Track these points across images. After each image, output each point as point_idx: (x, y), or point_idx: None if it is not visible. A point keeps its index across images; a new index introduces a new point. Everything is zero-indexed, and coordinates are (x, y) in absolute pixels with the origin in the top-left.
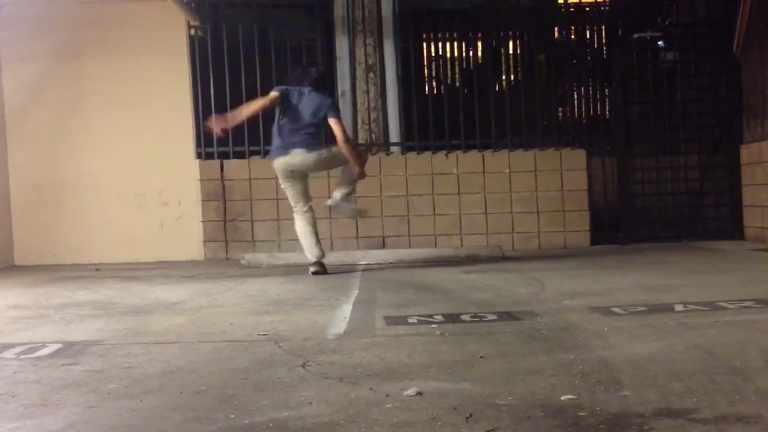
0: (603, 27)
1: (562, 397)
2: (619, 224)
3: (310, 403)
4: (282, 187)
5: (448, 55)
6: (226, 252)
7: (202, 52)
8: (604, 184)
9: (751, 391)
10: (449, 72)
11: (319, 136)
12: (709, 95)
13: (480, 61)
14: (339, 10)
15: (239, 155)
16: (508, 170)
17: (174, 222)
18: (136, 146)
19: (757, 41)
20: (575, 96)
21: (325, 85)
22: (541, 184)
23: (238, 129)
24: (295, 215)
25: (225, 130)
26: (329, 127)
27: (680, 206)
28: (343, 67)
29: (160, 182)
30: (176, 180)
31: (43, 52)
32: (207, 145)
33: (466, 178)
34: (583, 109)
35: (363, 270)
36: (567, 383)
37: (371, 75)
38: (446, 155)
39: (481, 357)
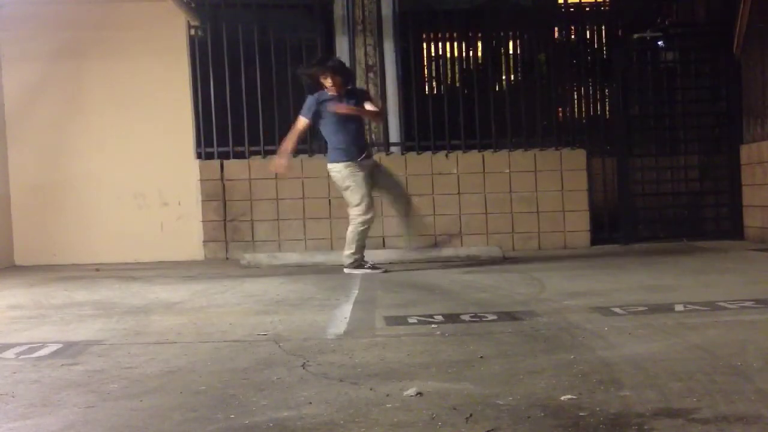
0: (603, 27)
1: (562, 397)
2: (619, 224)
3: (310, 403)
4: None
5: (448, 55)
6: (226, 252)
7: (202, 52)
8: (604, 184)
9: (751, 391)
10: (449, 72)
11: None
12: (709, 95)
13: (480, 61)
14: (339, 10)
15: (239, 155)
16: (508, 170)
17: (174, 222)
18: (136, 146)
19: (757, 41)
20: (575, 96)
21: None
22: (541, 184)
23: (239, 129)
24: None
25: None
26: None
27: (680, 206)
28: None
29: (160, 182)
30: (176, 180)
31: (43, 52)
32: (207, 145)
33: (466, 178)
34: (583, 109)
35: None
36: (567, 383)
37: (371, 75)
38: (446, 155)
39: (481, 357)
